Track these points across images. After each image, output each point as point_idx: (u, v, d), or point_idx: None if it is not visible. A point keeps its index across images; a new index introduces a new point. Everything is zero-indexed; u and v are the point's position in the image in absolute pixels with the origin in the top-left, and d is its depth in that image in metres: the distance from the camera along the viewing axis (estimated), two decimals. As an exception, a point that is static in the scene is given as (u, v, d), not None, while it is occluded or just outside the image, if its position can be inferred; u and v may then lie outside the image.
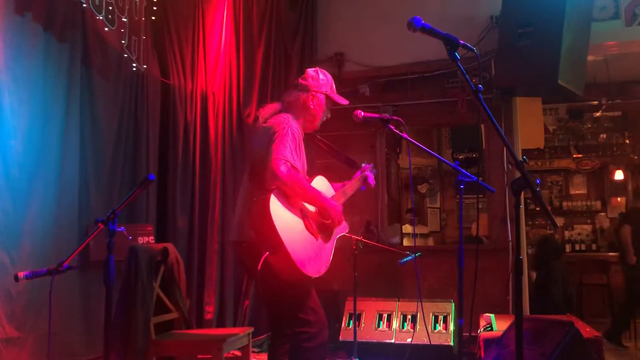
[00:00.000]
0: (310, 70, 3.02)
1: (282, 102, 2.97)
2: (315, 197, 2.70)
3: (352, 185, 3.13)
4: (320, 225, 2.74)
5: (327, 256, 2.75)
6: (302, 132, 2.85)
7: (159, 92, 5.65)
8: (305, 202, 2.69)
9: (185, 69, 5.79)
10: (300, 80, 2.99)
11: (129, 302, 3.37)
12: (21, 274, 2.32)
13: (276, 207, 2.49)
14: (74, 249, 2.46)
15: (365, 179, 3.17)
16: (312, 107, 2.91)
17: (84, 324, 4.67)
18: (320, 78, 2.98)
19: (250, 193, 2.72)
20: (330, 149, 3.35)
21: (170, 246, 3.90)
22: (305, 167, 2.87)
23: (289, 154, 2.59)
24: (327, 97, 2.97)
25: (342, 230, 2.92)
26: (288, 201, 2.58)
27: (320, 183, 2.94)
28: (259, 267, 2.44)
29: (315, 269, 2.59)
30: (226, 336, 3.37)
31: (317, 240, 2.68)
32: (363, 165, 3.28)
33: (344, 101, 3.04)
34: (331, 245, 2.82)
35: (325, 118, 3.03)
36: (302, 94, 2.92)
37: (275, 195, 2.51)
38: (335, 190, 3.06)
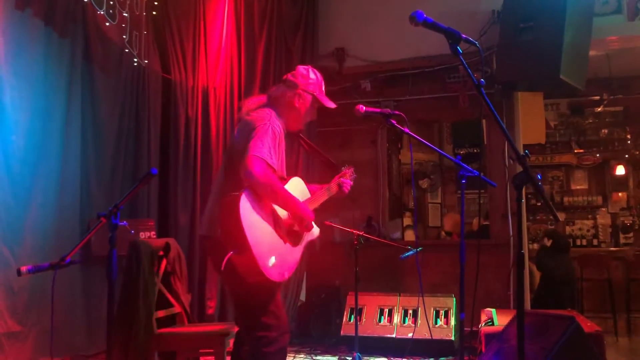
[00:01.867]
0: (302, 68, 2.93)
1: (269, 95, 2.89)
2: (287, 201, 2.60)
3: (327, 192, 3.01)
4: (289, 229, 2.67)
5: (293, 261, 2.66)
6: (284, 130, 2.76)
7: (160, 87, 5.65)
8: (276, 205, 2.60)
9: (187, 64, 5.78)
10: (289, 77, 2.89)
11: (131, 297, 3.38)
12: (24, 269, 2.32)
13: (246, 206, 2.41)
14: (76, 244, 2.45)
15: (340, 186, 3.05)
16: (296, 105, 2.82)
17: (85, 319, 4.69)
18: (310, 77, 2.88)
19: (223, 188, 2.65)
20: (313, 149, 3.28)
21: (172, 241, 3.91)
22: (284, 166, 2.79)
23: (267, 151, 2.50)
24: (314, 98, 2.86)
25: (311, 236, 2.84)
26: (259, 202, 2.49)
27: (295, 185, 2.84)
28: (222, 267, 2.38)
29: (279, 274, 2.51)
30: (228, 330, 3.38)
31: (284, 244, 2.60)
32: (343, 169, 3.18)
33: (331, 104, 2.93)
34: (299, 250, 2.73)
35: (309, 119, 2.94)
36: (289, 91, 2.82)
37: (246, 195, 2.44)
38: (311, 192, 2.96)
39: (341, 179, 3.08)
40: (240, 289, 2.58)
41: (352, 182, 3.13)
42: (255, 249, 2.37)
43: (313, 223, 2.78)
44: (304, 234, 2.77)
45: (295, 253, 2.69)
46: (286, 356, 2.68)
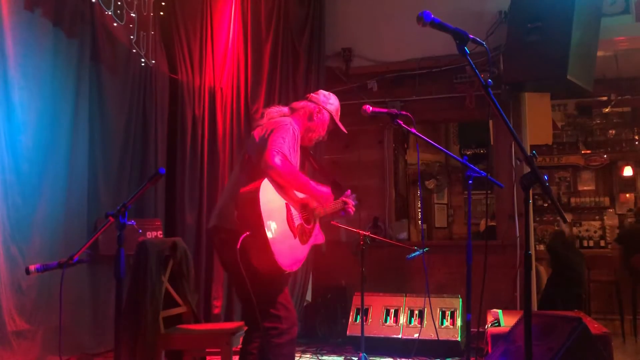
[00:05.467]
0: (324, 91, 3.16)
1: (290, 107, 3.06)
2: (306, 184, 2.77)
3: (334, 205, 3.12)
4: (300, 227, 2.77)
5: (301, 256, 2.76)
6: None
7: (167, 87, 5.68)
8: (297, 189, 2.75)
9: (194, 64, 5.80)
10: (312, 95, 3.12)
11: (138, 296, 3.38)
12: (32, 267, 2.33)
13: (265, 193, 2.53)
14: (83, 243, 2.46)
15: (345, 205, 3.17)
16: (315, 119, 3.01)
17: (93, 318, 4.71)
18: (330, 100, 3.10)
19: (239, 183, 2.73)
20: (321, 169, 3.43)
21: (179, 240, 3.91)
22: (298, 166, 2.90)
23: (286, 148, 2.63)
24: (331, 118, 3.08)
25: (318, 239, 2.97)
26: (276, 194, 2.62)
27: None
28: (238, 246, 2.46)
29: (288, 263, 2.59)
30: (234, 330, 3.38)
31: (295, 238, 2.70)
32: (347, 192, 3.27)
33: (344, 130, 3.16)
34: (306, 249, 2.82)
35: (321, 136, 3.11)
36: (310, 105, 3.04)
37: (265, 184, 2.56)
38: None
39: (344, 198, 3.18)
40: (250, 280, 2.60)
41: (354, 202, 3.24)
42: (270, 233, 2.48)
43: (319, 228, 2.94)
44: (312, 236, 2.86)
45: (303, 250, 2.77)
46: (295, 348, 2.75)
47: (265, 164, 2.57)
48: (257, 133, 2.85)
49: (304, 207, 2.85)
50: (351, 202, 3.19)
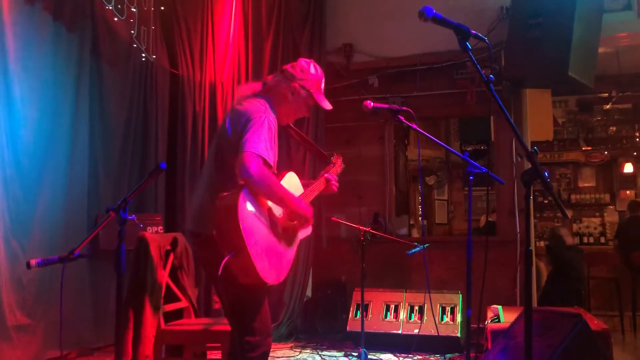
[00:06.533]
0: (303, 61, 2.76)
1: (264, 83, 2.73)
2: (284, 198, 2.49)
3: (317, 186, 2.88)
4: (284, 230, 2.56)
5: (287, 263, 2.57)
6: (277, 123, 2.61)
7: (167, 82, 5.67)
8: (273, 203, 2.49)
9: (194, 59, 5.79)
10: (288, 68, 2.72)
11: (138, 291, 3.39)
12: (33, 262, 2.33)
13: (244, 208, 2.31)
14: (84, 238, 2.45)
15: (328, 182, 2.89)
16: (289, 99, 2.67)
17: (93, 312, 4.72)
18: (310, 72, 2.70)
19: (218, 184, 2.50)
20: (303, 139, 3.13)
21: (179, 236, 3.92)
22: (276, 159, 2.66)
23: (263, 147, 2.38)
24: (310, 94, 2.69)
25: (305, 234, 2.74)
26: (256, 202, 2.39)
27: (289, 180, 2.70)
28: (219, 272, 2.27)
29: (275, 277, 2.42)
30: (235, 325, 3.38)
31: (280, 245, 2.51)
32: (333, 158, 3.07)
33: (327, 105, 2.75)
34: (293, 252, 2.63)
35: (301, 115, 2.80)
36: (284, 83, 2.67)
37: (245, 195, 2.33)
38: (304, 186, 2.84)
39: (326, 175, 2.92)
40: (232, 292, 2.50)
41: (337, 176, 2.98)
42: (253, 252, 2.28)
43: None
44: (298, 234, 2.68)
45: (289, 254, 2.60)
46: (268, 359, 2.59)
47: (241, 168, 2.32)
48: (230, 122, 2.55)
49: None
50: (333, 179, 2.90)
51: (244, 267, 2.30)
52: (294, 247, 2.65)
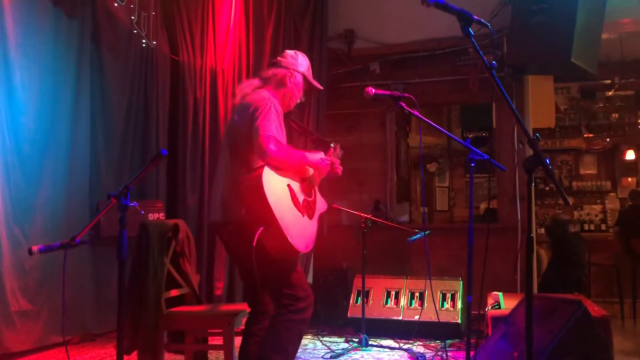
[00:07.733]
0: (289, 51, 3.05)
1: (260, 77, 2.97)
2: (302, 159, 2.76)
3: (325, 167, 3.02)
4: (305, 203, 2.79)
5: (312, 234, 2.80)
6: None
7: (168, 68, 5.65)
8: (296, 169, 2.75)
9: (195, 45, 5.76)
10: (279, 59, 3.01)
11: (140, 277, 3.40)
12: (35, 248, 2.34)
13: (268, 184, 2.53)
14: (85, 224, 2.47)
15: (332, 166, 3.06)
16: (289, 85, 2.93)
17: (95, 298, 4.75)
18: (298, 59, 3.01)
19: (235, 174, 2.73)
20: (303, 129, 3.38)
21: (181, 222, 3.92)
22: (285, 141, 2.84)
23: (275, 130, 2.61)
24: (304, 78, 2.99)
25: (322, 208, 2.99)
26: (277, 178, 2.62)
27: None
28: (254, 243, 2.47)
29: (304, 244, 2.64)
30: (236, 311, 3.40)
31: (303, 217, 2.73)
32: (332, 145, 3.22)
33: (319, 86, 3.08)
34: (315, 224, 2.85)
35: (299, 100, 3.03)
36: (280, 71, 2.93)
37: (266, 173, 2.55)
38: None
39: (331, 158, 3.08)
40: (265, 264, 2.61)
41: (339, 160, 3.16)
42: (282, 222, 2.50)
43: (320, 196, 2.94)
44: (316, 208, 2.89)
45: (313, 225, 2.82)
46: (306, 329, 2.77)
47: (261, 152, 2.56)
48: (238, 117, 2.79)
49: (303, 180, 2.85)
50: (337, 162, 3.11)
51: (275, 237, 2.51)
52: (315, 220, 2.88)
